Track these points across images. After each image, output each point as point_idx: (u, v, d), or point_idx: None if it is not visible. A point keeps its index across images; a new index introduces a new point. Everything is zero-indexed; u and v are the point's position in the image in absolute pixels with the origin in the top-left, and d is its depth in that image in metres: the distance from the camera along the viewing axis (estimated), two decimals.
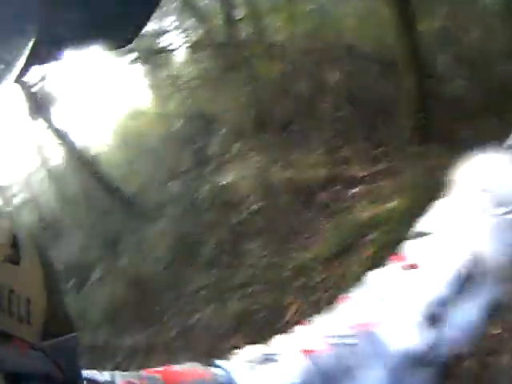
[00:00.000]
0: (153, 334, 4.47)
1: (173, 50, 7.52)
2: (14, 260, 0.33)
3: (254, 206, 5.16)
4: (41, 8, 0.27)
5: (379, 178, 5.21)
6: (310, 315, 0.67)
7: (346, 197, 4.95)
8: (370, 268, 0.68)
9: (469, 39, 5.64)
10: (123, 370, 0.54)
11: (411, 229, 0.72)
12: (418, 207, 0.73)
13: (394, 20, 4.81)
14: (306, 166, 5.42)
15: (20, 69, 0.28)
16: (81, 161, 6.89)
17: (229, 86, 6.11)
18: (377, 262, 0.71)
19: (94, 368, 0.48)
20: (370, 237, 3.97)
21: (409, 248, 0.68)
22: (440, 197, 0.76)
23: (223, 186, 5.66)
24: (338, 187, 5.20)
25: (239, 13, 6.53)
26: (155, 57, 7.34)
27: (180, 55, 7.90)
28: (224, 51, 6.25)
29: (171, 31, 7.28)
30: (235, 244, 4.97)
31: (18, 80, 0.29)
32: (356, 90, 6.07)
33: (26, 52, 0.27)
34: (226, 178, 5.68)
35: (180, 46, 7.40)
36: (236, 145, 6.09)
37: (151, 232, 5.84)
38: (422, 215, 0.73)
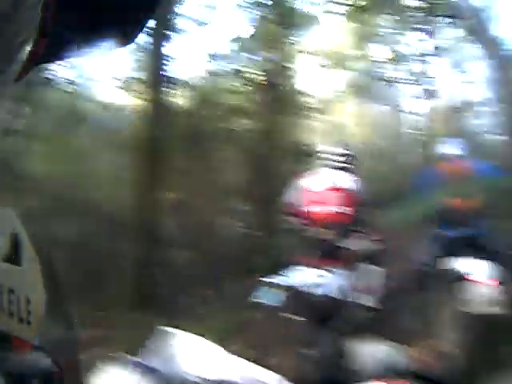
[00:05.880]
0: None
1: None
2: (14, 260, 0.33)
3: None
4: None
5: (96, 343, 4.95)
6: None
7: None
8: None
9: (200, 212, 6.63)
10: None
11: None
12: None
13: (137, 185, 5.32)
14: None
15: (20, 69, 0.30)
16: None
17: None
18: None
19: None
20: None
21: None
22: None
23: None
24: None
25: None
26: None
27: None
28: None
29: None
30: None
31: (19, 80, 0.31)
32: (86, 248, 6.02)
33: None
34: None
35: None
36: None
37: None
38: None
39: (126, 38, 0.38)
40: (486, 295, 2.60)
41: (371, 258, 3.43)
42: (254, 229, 6.48)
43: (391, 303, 3.75)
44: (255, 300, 2.70)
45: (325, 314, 2.80)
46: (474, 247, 3.04)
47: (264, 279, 2.79)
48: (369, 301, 3.24)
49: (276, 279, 2.75)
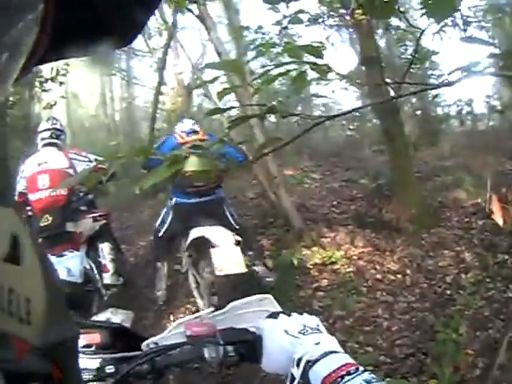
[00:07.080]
0: None
1: None
2: (14, 260, 0.31)
3: None
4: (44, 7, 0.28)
5: None
6: None
7: None
8: None
9: None
10: None
11: None
12: None
13: None
14: None
15: (20, 68, 0.29)
16: None
17: None
18: None
19: None
20: None
21: None
22: None
23: None
24: None
25: None
26: None
27: None
28: None
29: None
30: None
31: (20, 78, 0.30)
32: None
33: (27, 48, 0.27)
34: None
35: None
36: None
37: None
38: None
39: (125, 38, 0.38)
40: (228, 257, 2.72)
41: (100, 236, 3.34)
42: None
43: (130, 276, 3.78)
44: None
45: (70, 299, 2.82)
46: (212, 214, 3.15)
47: None
48: (108, 278, 3.21)
49: None
